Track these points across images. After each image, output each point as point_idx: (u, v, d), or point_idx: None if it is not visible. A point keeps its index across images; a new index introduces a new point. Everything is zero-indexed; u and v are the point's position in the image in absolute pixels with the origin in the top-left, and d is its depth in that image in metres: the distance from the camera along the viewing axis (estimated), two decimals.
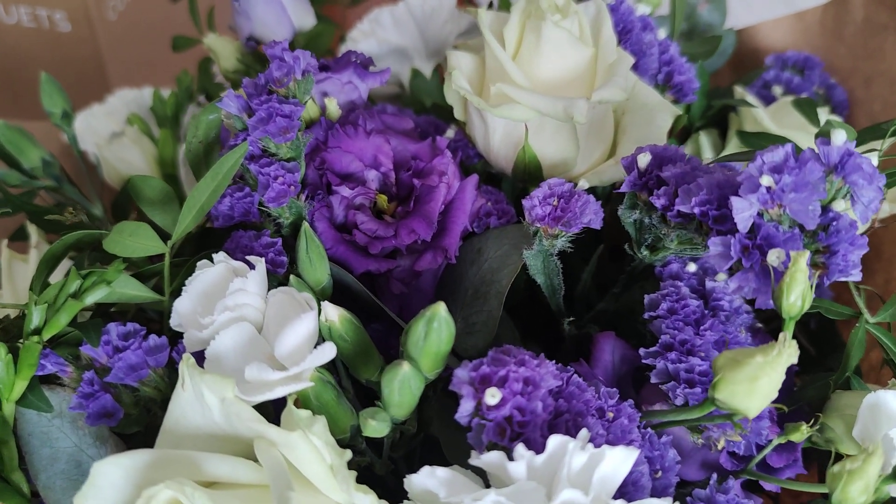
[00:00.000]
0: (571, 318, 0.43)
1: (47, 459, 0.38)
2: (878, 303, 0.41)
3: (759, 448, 0.37)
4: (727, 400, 0.30)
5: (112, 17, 0.81)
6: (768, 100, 0.56)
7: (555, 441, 0.29)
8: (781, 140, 0.44)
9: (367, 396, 0.38)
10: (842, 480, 0.29)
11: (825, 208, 0.32)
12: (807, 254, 0.30)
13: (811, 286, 0.31)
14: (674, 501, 0.33)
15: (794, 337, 0.49)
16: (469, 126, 0.47)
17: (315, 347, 0.32)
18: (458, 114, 0.48)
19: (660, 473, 0.35)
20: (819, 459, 0.42)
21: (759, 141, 0.45)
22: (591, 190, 0.41)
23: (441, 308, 0.32)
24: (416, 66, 0.59)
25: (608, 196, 0.50)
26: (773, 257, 0.31)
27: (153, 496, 0.30)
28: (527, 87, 0.43)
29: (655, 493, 0.34)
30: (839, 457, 0.41)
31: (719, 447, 0.35)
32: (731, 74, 0.63)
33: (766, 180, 0.31)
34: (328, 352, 0.32)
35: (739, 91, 0.52)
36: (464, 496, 0.29)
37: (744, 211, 0.32)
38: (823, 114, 0.49)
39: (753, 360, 0.29)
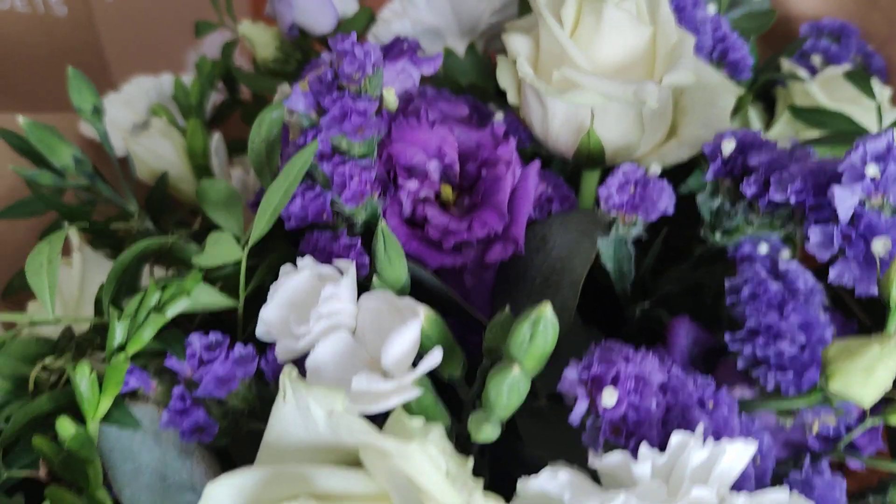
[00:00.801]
0: (645, 303, 0.43)
1: (131, 474, 0.37)
2: None
3: (848, 428, 0.37)
4: (841, 391, 0.30)
5: None
6: (808, 70, 0.55)
7: (676, 438, 0.29)
8: (838, 117, 0.44)
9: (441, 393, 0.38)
10: None
11: None
12: None
13: None
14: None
15: (849, 309, 0.50)
16: (524, 110, 0.46)
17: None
18: (511, 98, 0.47)
19: (759, 460, 0.35)
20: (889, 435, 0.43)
21: (816, 117, 0.45)
22: None
23: (547, 309, 0.31)
24: (449, 45, 0.57)
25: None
26: (879, 246, 0.31)
27: None
28: (591, 71, 0.42)
29: (756, 480, 0.34)
30: None
31: (814, 431, 0.36)
32: (761, 45, 0.62)
33: (871, 170, 0.31)
34: (436, 357, 0.31)
35: (787, 64, 0.52)
36: (591, 499, 0.29)
37: (846, 200, 0.32)
38: (876, 86, 0.48)
39: (870, 351, 0.29)
